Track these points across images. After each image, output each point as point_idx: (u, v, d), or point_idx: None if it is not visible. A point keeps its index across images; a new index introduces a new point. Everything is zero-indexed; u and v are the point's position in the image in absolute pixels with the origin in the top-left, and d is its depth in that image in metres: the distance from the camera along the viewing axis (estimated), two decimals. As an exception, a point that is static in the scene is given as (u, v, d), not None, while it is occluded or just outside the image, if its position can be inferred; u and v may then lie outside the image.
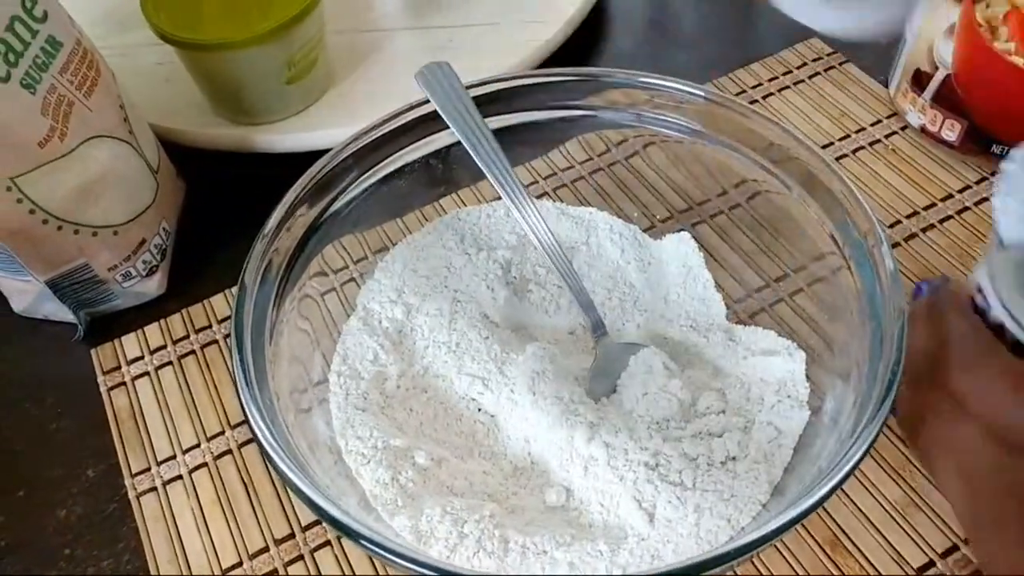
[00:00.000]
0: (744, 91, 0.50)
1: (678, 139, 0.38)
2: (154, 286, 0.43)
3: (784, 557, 0.34)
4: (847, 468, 0.27)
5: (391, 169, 0.37)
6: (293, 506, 0.36)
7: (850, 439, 0.28)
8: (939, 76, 0.42)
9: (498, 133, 0.38)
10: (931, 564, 0.33)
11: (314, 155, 0.36)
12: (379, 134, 0.36)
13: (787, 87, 0.50)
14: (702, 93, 0.36)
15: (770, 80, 0.50)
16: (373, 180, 0.37)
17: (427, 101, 0.36)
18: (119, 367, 0.41)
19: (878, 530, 0.34)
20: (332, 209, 0.36)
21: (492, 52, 0.49)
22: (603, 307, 0.39)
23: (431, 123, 0.37)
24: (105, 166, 0.39)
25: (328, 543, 0.35)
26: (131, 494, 0.37)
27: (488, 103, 0.38)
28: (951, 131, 0.44)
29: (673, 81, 0.37)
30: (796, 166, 0.35)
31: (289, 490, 0.28)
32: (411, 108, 0.37)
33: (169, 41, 0.43)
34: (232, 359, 0.30)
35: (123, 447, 0.38)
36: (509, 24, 0.51)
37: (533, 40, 0.49)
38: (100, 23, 0.53)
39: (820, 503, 0.27)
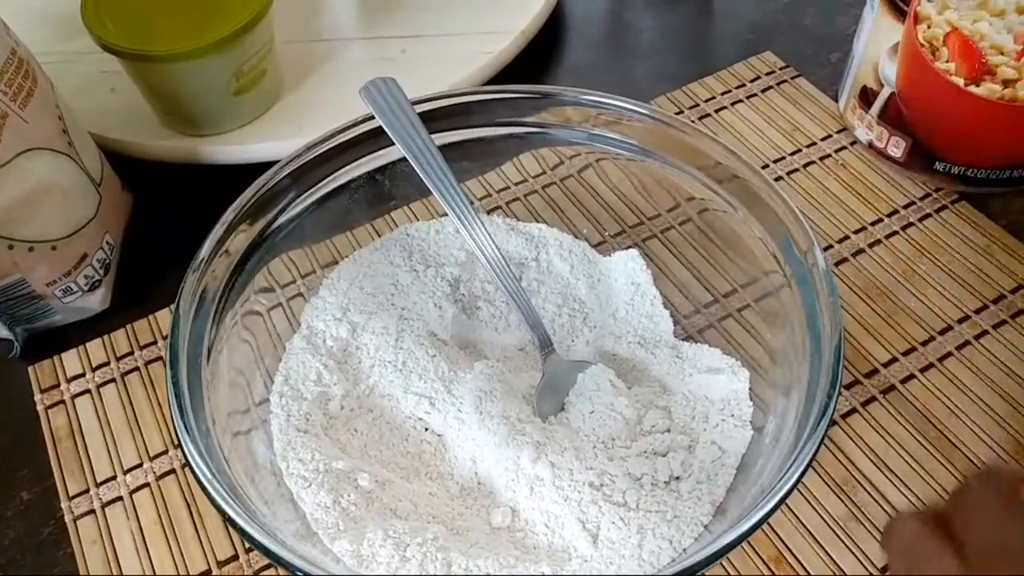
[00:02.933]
0: (697, 104, 0.50)
1: (628, 156, 0.38)
2: (97, 301, 0.42)
3: (728, 573, 0.34)
4: (785, 490, 0.27)
5: (336, 185, 0.37)
6: (236, 528, 0.35)
7: (789, 458, 0.28)
8: (884, 94, 0.43)
9: (446, 149, 0.38)
10: (871, 579, 0.33)
11: (262, 166, 0.35)
12: (322, 150, 0.36)
13: (740, 100, 0.50)
14: (646, 112, 0.37)
15: (723, 93, 0.50)
16: (317, 196, 0.36)
17: (373, 117, 0.36)
18: (58, 385, 0.40)
19: (821, 546, 0.34)
20: (275, 225, 0.35)
21: (446, 63, 0.49)
22: (553, 323, 0.39)
23: (377, 139, 0.37)
24: (42, 179, 0.38)
25: (272, 564, 0.34)
26: (67, 517, 0.36)
27: (436, 119, 0.38)
28: (896, 148, 0.44)
29: (619, 100, 0.37)
30: (739, 185, 0.35)
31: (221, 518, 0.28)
32: (356, 124, 0.36)
33: (112, 51, 0.42)
34: (166, 385, 0.29)
35: (60, 468, 0.37)
36: (463, 36, 0.51)
37: (487, 52, 0.49)
38: (42, 28, 0.52)
39: (758, 525, 0.27)
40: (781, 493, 0.27)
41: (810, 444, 0.28)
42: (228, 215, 0.33)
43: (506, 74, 0.50)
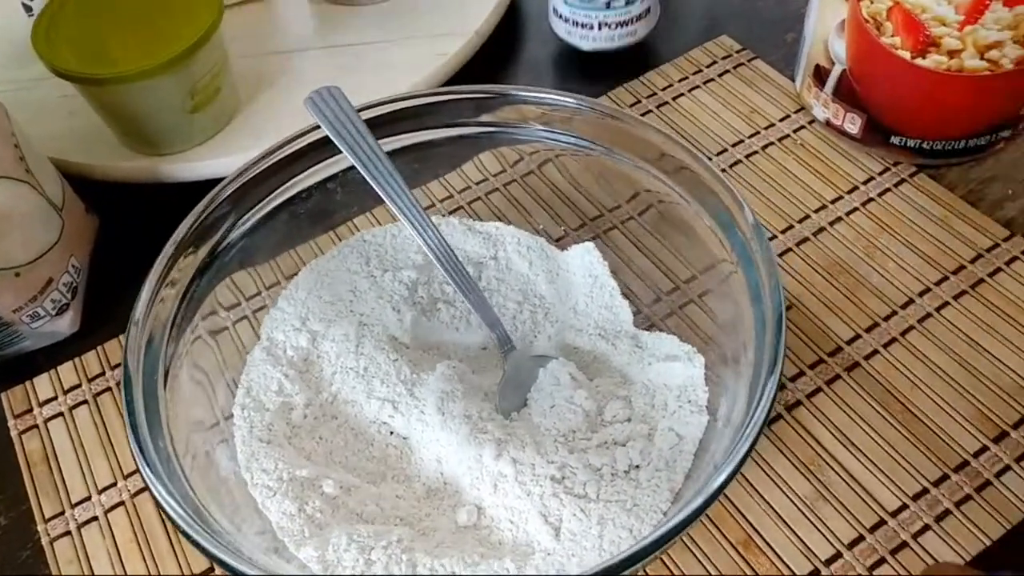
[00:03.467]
0: (655, 93, 0.50)
1: (583, 152, 0.39)
2: (66, 325, 0.42)
3: (698, 559, 0.34)
4: (735, 463, 0.27)
5: (286, 196, 0.37)
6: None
7: (739, 432, 0.28)
8: (836, 71, 0.43)
9: (400, 153, 0.38)
10: (838, 556, 0.33)
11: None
12: (268, 163, 0.36)
13: (697, 87, 0.50)
14: (594, 107, 0.37)
15: (680, 80, 0.50)
16: (267, 209, 0.36)
17: (319, 126, 0.36)
18: (31, 410, 0.40)
19: (788, 526, 0.34)
20: (226, 242, 0.36)
21: (403, 68, 0.49)
22: (515, 320, 0.39)
23: (325, 148, 0.37)
24: (0, 209, 0.38)
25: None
26: (44, 540, 0.36)
27: (387, 124, 0.38)
28: (852, 124, 0.44)
29: (566, 96, 0.37)
30: (686, 174, 0.35)
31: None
32: (302, 134, 0.36)
33: (63, 76, 0.43)
34: (123, 409, 0.29)
35: (35, 492, 0.38)
36: (419, 39, 0.51)
37: (443, 54, 0.49)
38: None
39: (708, 504, 0.27)
40: (729, 469, 0.27)
41: (758, 414, 0.28)
42: (175, 237, 0.34)
43: (464, 74, 0.50)
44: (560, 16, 0.50)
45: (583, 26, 0.49)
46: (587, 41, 0.50)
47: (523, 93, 0.37)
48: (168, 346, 0.32)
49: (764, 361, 0.29)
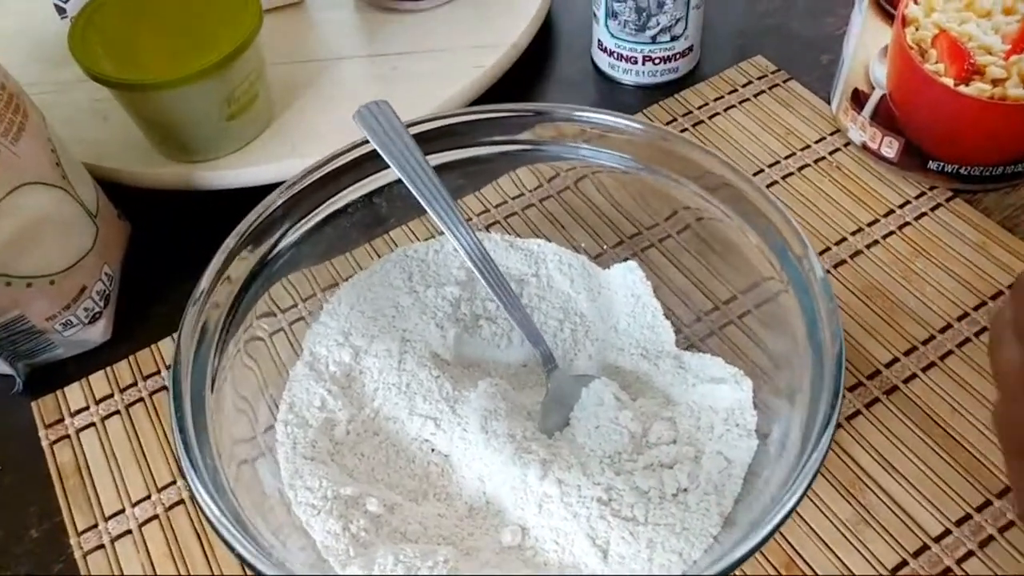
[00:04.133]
0: (691, 111, 0.50)
1: (622, 169, 0.39)
2: (98, 333, 0.42)
3: (740, 581, 0.34)
4: (792, 501, 0.27)
5: (333, 209, 0.37)
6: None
7: (796, 468, 0.29)
8: (875, 96, 0.43)
9: (441, 169, 0.38)
10: (883, 581, 0.33)
11: (259, 189, 0.35)
12: (320, 175, 0.36)
13: (733, 106, 0.50)
14: (635, 125, 0.37)
15: (716, 99, 0.50)
16: (316, 220, 0.36)
17: (367, 140, 0.36)
18: (62, 419, 0.40)
19: (830, 549, 0.34)
20: (275, 252, 0.35)
21: (438, 79, 0.49)
22: (555, 338, 0.39)
23: (373, 161, 0.37)
24: (37, 215, 0.37)
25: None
26: (77, 553, 0.36)
27: (430, 140, 0.38)
28: (890, 148, 0.44)
29: (607, 114, 0.37)
30: (730, 192, 0.35)
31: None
32: (351, 148, 0.36)
33: (100, 81, 0.42)
34: (170, 420, 0.29)
35: (68, 504, 0.37)
36: (454, 50, 0.51)
37: (480, 66, 0.49)
38: (32, 60, 0.52)
39: (768, 538, 0.27)
40: (789, 505, 0.27)
41: (816, 455, 0.28)
42: (228, 242, 0.33)
43: (499, 87, 0.50)
44: (604, 49, 0.51)
45: (627, 60, 0.50)
46: (629, 75, 0.51)
47: (570, 111, 0.37)
48: (217, 352, 0.32)
49: (823, 392, 0.29)
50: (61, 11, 0.49)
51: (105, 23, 0.44)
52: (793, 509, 0.28)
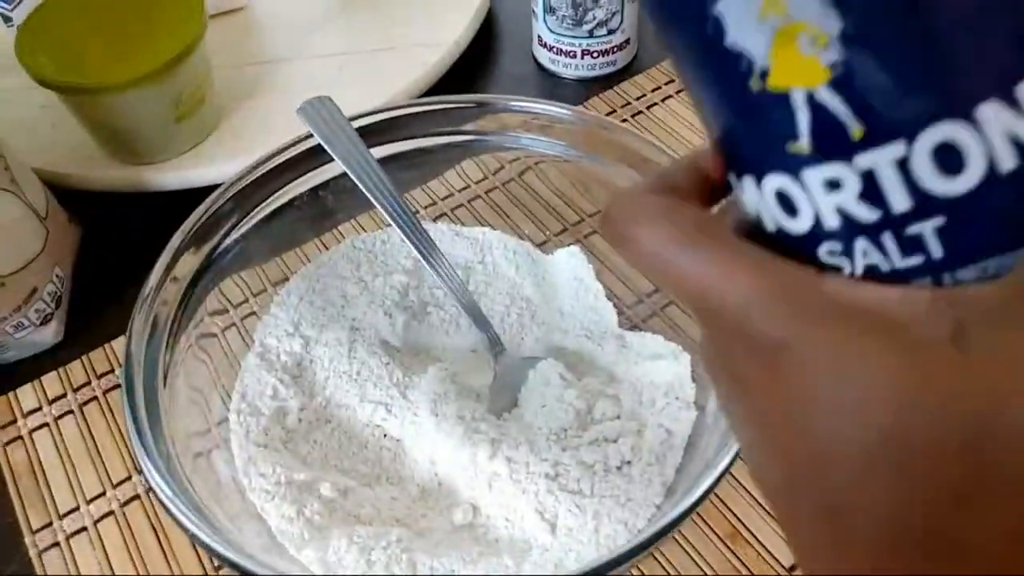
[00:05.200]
0: (629, 103, 0.52)
1: (564, 158, 0.40)
2: (50, 334, 0.42)
3: (688, 553, 0.35)
4: (727, 460, 0.29)
5: (279, 203, 0.37)
6: (203, 547, 0.36)
7: (729, 432, 0.30)
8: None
9: (387, 161, 0.39)
10: (820, 544, 0.35)
11: (210, 189, 0.36)
12: (263, 171, 0.36)
13: (670, 96, 0.52)
14: (574, 115, 0.38)
15: (654, 90, 0.52)
16: (262, 215, 0.37)
17: (311, 135, 0.37)
18: (15, 421, 0.40)
19: (773, 518, 0.36)
20: (222, 247, 0.36)
21: (383, 78, 0.50)
22: (502, 323, 0.40)
23: (316, 156, 0.37)
24: (-16, 218, 0.38)
25: (241, 580, 0.35)
26: (32, 552, 0.36)
27: (374, 133, 0.39)
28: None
29: (547, 105, 0.38)
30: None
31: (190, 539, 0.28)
32: (295, 143, 0.37)
33: (48, 85, 0.43)
34: (124, 412, 0.30)
35: (22, 504, 0.37)
36: (397, 50, 0.52)
37: (423, 64, 0.50)
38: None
39: (703, 499, 0.28)
40: (722, 465, 0.29)
41: None
42: (174, 241, 0.34)
43: (442, 85, 0.51)
44: (544, 45, 0.52)
45: (567, 54, 0.51)
46: (569, 69, 0.53)
47: (510, 102, 0.39)
48: (168, 347, 0.33)
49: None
50: (7, 19, 0.49)
51: (52, 29, 0.44)
52: (726, 470, 0.29)
